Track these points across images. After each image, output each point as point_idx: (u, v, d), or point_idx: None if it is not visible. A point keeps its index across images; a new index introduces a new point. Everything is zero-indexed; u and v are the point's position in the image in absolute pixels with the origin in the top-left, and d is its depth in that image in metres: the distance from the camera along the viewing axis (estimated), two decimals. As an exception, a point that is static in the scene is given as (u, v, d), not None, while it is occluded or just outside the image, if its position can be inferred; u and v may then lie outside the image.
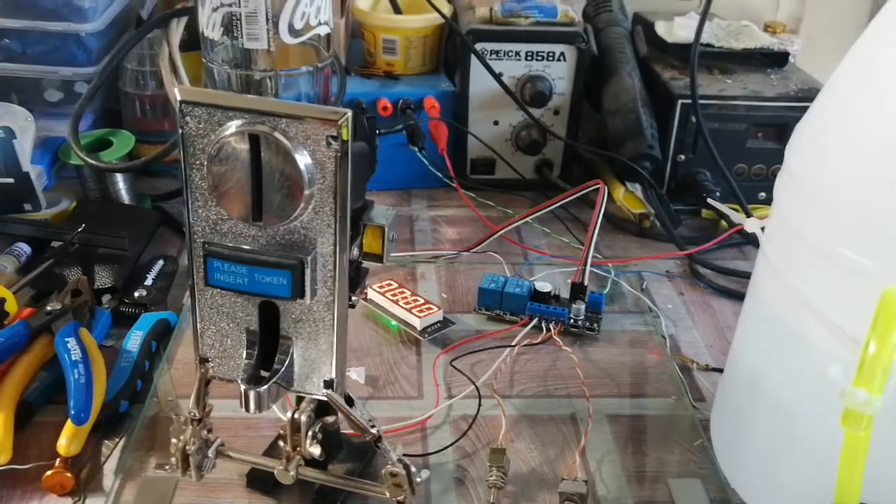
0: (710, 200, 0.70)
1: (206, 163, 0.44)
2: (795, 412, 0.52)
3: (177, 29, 0.91)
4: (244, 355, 0.49)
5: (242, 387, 0.47)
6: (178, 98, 0.43)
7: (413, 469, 0.51)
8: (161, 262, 0.78)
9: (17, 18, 0.86)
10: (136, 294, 0.73)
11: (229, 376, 0.50)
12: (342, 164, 0.43)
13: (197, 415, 0.51)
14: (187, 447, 0.51)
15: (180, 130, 0.44)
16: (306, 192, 0.43)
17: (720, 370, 0.69)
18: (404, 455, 0.51)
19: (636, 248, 0.88)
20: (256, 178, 0.43)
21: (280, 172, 0.43)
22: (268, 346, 0.49)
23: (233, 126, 0.43)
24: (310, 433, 0.51)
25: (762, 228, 0.56)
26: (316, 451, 0.52)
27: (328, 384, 0.49)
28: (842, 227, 0.46)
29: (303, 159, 0.43)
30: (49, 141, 0.89)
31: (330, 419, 0.53)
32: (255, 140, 0.43)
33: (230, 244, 0.46)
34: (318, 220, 0.45)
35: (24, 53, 0.88)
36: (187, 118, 0.44)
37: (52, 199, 0.85)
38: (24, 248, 0.77)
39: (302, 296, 0.45)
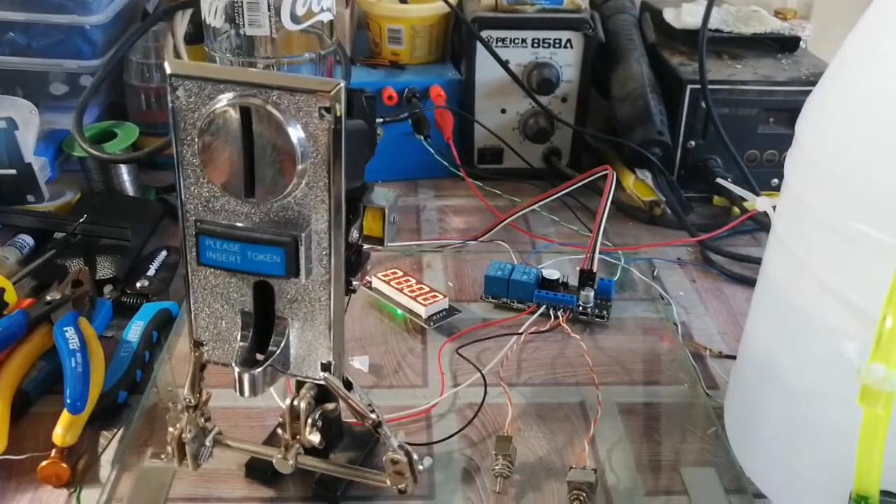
0: (719, 179, 0.69)
1: (196, 137, 0.43)
2: (810, 395, 0.50)
3: (182, 21, 0.91)
4: (239, 338, 0.48)
5: (236, 369, 0.46)
6: (168, 71, 0.42)
7: (415, 456, 0.50)
8: (164, 253, 0.77)
9: (23, 11, 0.85)
10: (139, 284, 0.72)
11: (224, 360, 0.49)
12: (336, 137, 0.42)
13: (192, 401, 0.50)
14: (183, 435, 0.50)
15: (170, 105, 0.43)
16: (299, 166, 0.42)
17: (733, 357, 0.67)
18: (408, 444, 0.50)
19: (647, 235, 0.87)
20: (248, 152, 0.42)
21: (272, 146, 0.42)
22: (263, 327, 0.47)
23: (224, 99, 0.42)
24: (309, 420, 0.50)
25: (773, 207, 0.55)
26: (315, 438, 0.50)
27: (325, 367, 0.48)
28: (855, 202, 0.45)
29: (295, 132, 0.41)
30: (53, 133, 0.88)
31: (330, 406, 0.52)
32: (246, 113, 0.41)
33: (223, 222, 0.45)
34: (312, 195, 0.43)
35: (29, 46, 0.87)
36: (178, 92, 0.42)
37: (56, 191, 0.85)
38: (27, 240, 0.77)
39: (296, 274, 0.44)
